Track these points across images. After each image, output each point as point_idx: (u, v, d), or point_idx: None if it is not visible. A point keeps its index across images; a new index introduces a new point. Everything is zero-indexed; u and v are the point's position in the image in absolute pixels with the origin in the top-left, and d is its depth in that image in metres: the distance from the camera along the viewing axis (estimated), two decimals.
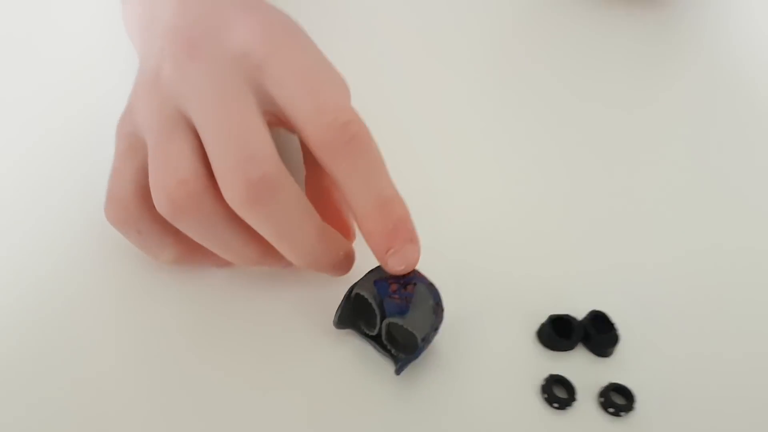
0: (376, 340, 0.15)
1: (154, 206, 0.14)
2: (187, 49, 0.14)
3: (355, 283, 0.15)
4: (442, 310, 0.15)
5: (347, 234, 0.16)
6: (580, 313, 0.16)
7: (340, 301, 0.15)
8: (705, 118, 0.24)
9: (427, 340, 0.14)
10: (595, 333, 0.16)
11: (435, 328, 0.15)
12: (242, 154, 0.13)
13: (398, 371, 0.15)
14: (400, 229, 0.14)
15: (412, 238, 0.14)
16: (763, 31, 0.29)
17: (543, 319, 0.16)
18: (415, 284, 0.15)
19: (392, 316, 0.14)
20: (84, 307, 0.16)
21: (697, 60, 0.27)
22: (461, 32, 0.26)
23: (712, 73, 0.26)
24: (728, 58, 0.27)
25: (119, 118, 0.16)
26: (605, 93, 0.24)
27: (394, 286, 0.14)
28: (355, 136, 0.14)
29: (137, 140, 0.15)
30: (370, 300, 0.14)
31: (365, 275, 0.15)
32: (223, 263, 0.16)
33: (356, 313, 0.15)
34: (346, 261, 0.16)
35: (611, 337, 0.16)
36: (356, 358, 0.15)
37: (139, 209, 0.15)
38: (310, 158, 0.16)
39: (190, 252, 0.16)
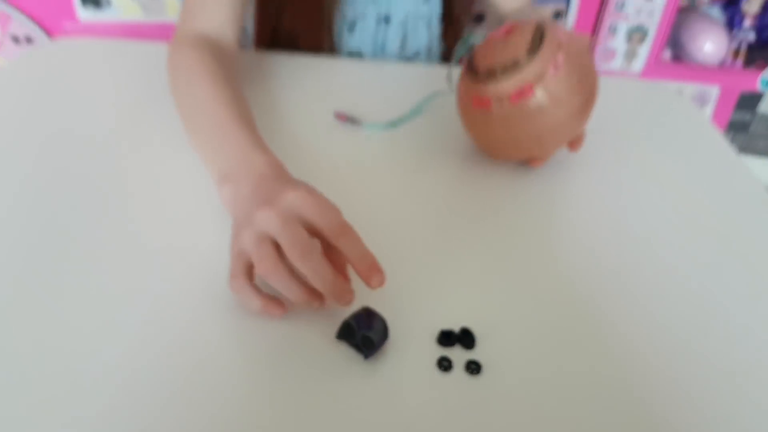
0: (356, 344, 0.31)
1: (253, 281, 0.30)
2: (266, 204, 0.31)
3: (346, 318, 0.31)
4: (387, 329, 0.31)
5: (345, 277, 0.33)
6: (456, 326, 0.33)
7: (339, 325, 0.31)
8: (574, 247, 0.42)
9: (380, 343, 0.30)
10: (464, 338, 0.32)
11: (384, 337, 0.31)
12: (298, 242, 0.29)
13: (366, 357, 0.31)
14: (373, 268, 0.30)
15: (380, 271, 0.31)
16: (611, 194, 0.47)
17: (437, 331, 0.32)
18: (375, 316, 0.31)
19: (364, 330, 0.30)
20: (211, 334, 0.32)
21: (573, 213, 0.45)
22: (420, 188, 0.44)
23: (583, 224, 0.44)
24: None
25: (231, 244, 0.32)
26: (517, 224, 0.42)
27: (365, 318, 0.31)
28: (346, 230, 0.31)
29: (242, 252, 0.31)
30: (353, 324, 0.31)
31: (350, 315, 0.31)
32: (286, 309, 0.32)
33: (347, 332, 0.31)
34: (349, 295, 0.31)
35: (471, 340, 0.32)
36: (345, 352, 0.31)
37: (246, 282, 0.31)
38: (324, 242, 0.32)
39: (269, 304, 0.32)
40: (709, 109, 1.06)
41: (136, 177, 0.42)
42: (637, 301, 0.36)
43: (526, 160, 0.44)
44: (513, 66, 0.39)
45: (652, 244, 0.41)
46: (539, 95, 0.39)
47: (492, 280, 0.36)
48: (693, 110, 0.61)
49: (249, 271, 0.31)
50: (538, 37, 0.40)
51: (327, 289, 0.30)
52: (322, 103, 0.50)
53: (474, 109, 0.41)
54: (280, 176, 0.34)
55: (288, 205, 0.31)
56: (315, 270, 0.30)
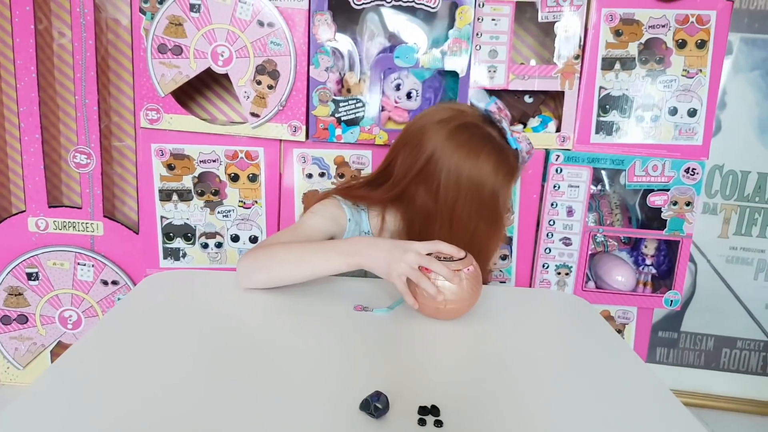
0: (370, 411, 0.56)
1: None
2: (406, 250, 0.71)
3: (365, 396, 0.57)
4: (388, 403, 0.56)
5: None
6: (428, 403, 0.58)
7: (360, 401, 0.57)
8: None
9: (384, 410, 0.55)
10: (433, 409, 0.57)
11: (387, 407, 0.56)
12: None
13: (377, 418, 0.55)
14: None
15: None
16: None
17: (417, 405, 0.58)
18: (382, 395, 0.57)
19: (375, 403, 0.56)
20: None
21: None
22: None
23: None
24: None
25: (386, 273, 0.76)
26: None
27: (376, 396, 0.57)
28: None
29: (402, 274, 0.74)
30: (369, 399, 0.56)
31: (368, 395, 0.57)
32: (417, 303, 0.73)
33: (365, 404, 0.56)
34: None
35: (437, 410, 0.57)
36: (365, 416, 0.56)
37: (407, 288, 0.73)
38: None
39: (413, 300, 0.72)
40: (632, 325, 1.37)
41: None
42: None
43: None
44: (448, 259, 0.75)
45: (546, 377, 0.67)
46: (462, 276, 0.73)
47: (453, 381, 0.62)
48: (590, 309, 0.92)
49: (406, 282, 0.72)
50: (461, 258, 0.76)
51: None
52: (345, 299, 0.81)
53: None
54: (388, 238, 0.79)
55: (417, 248, 0.73)
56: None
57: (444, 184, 0.86)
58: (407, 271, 0.74)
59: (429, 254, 0.75)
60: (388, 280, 0.77)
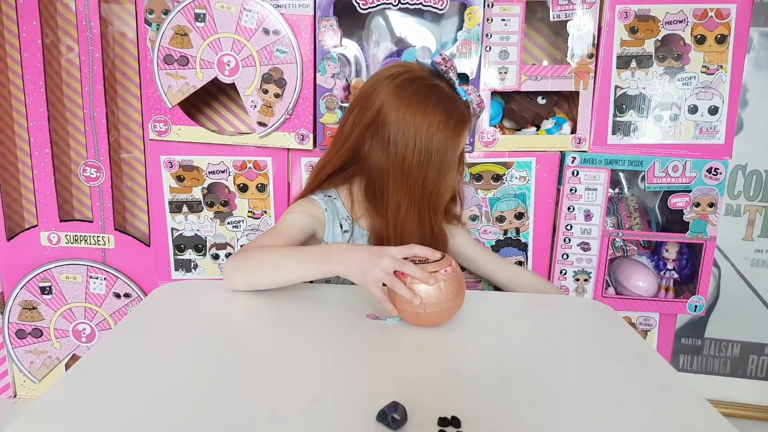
0: (387, 423, 0.53)
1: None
2: (380, 256, 0.70)
3: (382, 407, 0.54)
4: (406, 413, 0.53)
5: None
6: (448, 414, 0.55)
7: (377, 411, 0.54)
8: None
9: (402, 422, 0.52)
10: (454, 420, 0.54)
11: (405, 419, 0.53)
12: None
13: (394, 431, 0.52)
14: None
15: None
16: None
17: (437, 416, 0.54)
18: (399, 405, 0.54)
19: (392, 414, 0.53)
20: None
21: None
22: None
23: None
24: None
25: (361, 279, 0.73)
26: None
27: (393, 407, 0.53)
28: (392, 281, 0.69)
29: (378, 280, 0.71)
30: (386, 410, 0.53)
31: (385, 405, 0.54)
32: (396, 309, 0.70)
33: (382, 415, 0.53)
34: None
35: (458, 422, 0.54)
36: (382, 428, 0.53)
37: (383, 294, 0.70)
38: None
39: (389, 304, 0.69)
40: (655, 331, 1.33)
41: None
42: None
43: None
44: (423, 261, 0.72)
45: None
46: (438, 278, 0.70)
47: (474, 390, 0.59)
48: (614, 316, 0.88)
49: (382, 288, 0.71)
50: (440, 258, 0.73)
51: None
52: (356, 308, 0.78)
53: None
54: (363, 244, 0.78)
55: (392, 252, 0.72)
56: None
57: (393, 137, 0.87)
58: (382, 276, 0.72)
59: (406, 258, 0.73)
60: (363, 287, 0.75)
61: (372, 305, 0.80)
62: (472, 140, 1.22)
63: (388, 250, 0.74)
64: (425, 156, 0.87)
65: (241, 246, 1.29)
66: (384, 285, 0.73)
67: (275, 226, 0.96)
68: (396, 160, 0.88)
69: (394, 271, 0.72)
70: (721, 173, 1.22)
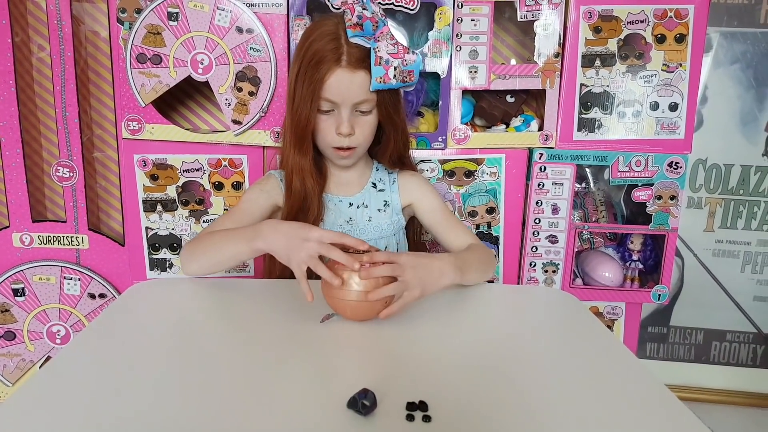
0: (358, 409, 0.55)
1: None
2: (305, 238, 0.71)
3: (353, 394, 0.56)
4: (376, 399, 0.56)
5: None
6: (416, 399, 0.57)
7: (348, 398, 0.56)
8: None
9: (372, 407, 0.55)
10: (421, 405, 0.57)
11: (375, 404, 0.55)
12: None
13: (365, 416, 0.55)
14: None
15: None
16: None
17: (405, 401, 0.57)
18: (369, 392, 0.56)
19: (362, 400, 0.55)
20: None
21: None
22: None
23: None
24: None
25: (286, 258, 0.75)
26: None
27: (363, 393, 0.56)
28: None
29: (302, 261, 0.72)
30: (357, 397, 0.55)
31: (356, 392, 0.56)
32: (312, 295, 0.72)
33: (353, 402, 0.55)
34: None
35: (425, 406, 0.57)
36: (353, 414, 0.55)
37: (305, 276, 0.72)
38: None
39: (307, 287, 0.72)
40: (621, 320, 1.37)
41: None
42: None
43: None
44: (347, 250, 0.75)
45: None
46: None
47: (441, 376, 0.62)
48: (579, 305, 0.92)
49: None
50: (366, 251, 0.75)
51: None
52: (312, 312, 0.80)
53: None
54: (290, 221, 0.78)
55: (319, 236, 0.72)
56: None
57: (291, 77, 0.93)
58: (306, 259, 0.74)
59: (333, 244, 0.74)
60: (288, 266, 0.77)
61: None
62: (444, 137, 1.25)
63: (314, 232, 0.74)
64: (290, 89, 0.92)
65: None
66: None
67: (232, 209, 0.98)
68: (289, 98, 0.94)
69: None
70: (681, 167, 1.27)
